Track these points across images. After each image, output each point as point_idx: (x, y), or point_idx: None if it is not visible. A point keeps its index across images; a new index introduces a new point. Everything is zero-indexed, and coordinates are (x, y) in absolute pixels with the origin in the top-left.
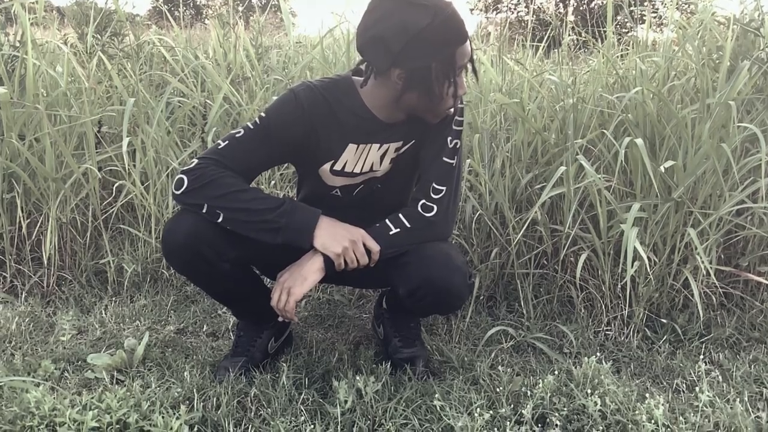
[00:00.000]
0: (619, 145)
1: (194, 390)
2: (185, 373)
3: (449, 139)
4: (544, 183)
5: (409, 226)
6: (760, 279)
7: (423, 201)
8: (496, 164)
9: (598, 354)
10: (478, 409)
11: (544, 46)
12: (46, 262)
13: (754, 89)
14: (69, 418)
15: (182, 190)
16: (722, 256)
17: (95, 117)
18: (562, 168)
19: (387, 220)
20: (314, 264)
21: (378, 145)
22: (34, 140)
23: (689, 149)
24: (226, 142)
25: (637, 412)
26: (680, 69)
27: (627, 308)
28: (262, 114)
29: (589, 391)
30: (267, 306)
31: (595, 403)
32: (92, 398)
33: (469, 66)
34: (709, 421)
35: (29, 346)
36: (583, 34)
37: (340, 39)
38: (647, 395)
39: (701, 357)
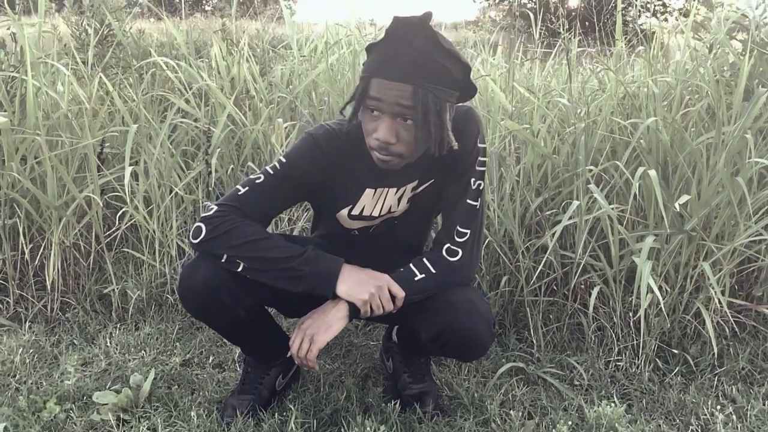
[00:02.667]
0: (632, 176)
1: None
2: (192, 413)
3: (473, 180)
4: (555, 210)
5: (434, 271)
6: None
7: (448, 245)
8: (505, 188)
9: (609, 387)
10: None
11: (554, 55)
12: (49, 288)
13: None
14: None
15: (200, 239)
16: (735, 286)
17: (97, 139)
18: (576, 202)
19: (412, 265)
20: (339, 311)
21: (395, 189)
22: (35, 163)
23: (704, 178)
24: (246, 188)
25: None
26: (693, 89)
27: (638, 338)
28: (282, 159)
29: None
30: (277, 345)
31: None
32: None
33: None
34: None
35: (34, 381)
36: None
37: (345, 51)
38: None
39: (713, 391)
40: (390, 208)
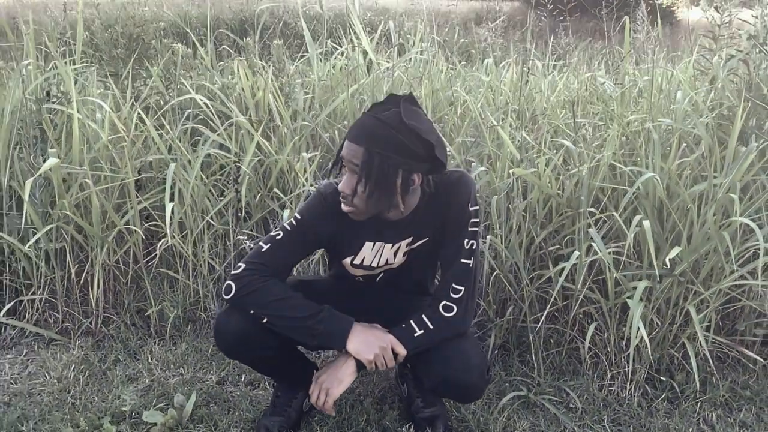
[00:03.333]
0: (629, 222)
1: None
2: None
3: (466, 240)
4: (558, 246)
5: (431, 327)
6: (751, 353)
7: (444, 302)
8: (512, 222)
9: (602, 412)
10: None
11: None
12: (94, 305)
13: (763, 164)
14: None
15: (230, 296)
16: (720, 323)
17: (135, 171)
18: (576, 253)
19: (412, 322)
20: (349, 368)
21: (390, 244)
22: (79, 189)
23: (695, 227)
24: (268, 244)
25: None
26: (690, 135)
27: (629, 365)
28: (297, 215)
29: None
30: (303, 374)
31: None
32: None
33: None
34: None
35: (87, 398)
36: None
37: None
38: None
39: (695, 417)
40: (387, 260)
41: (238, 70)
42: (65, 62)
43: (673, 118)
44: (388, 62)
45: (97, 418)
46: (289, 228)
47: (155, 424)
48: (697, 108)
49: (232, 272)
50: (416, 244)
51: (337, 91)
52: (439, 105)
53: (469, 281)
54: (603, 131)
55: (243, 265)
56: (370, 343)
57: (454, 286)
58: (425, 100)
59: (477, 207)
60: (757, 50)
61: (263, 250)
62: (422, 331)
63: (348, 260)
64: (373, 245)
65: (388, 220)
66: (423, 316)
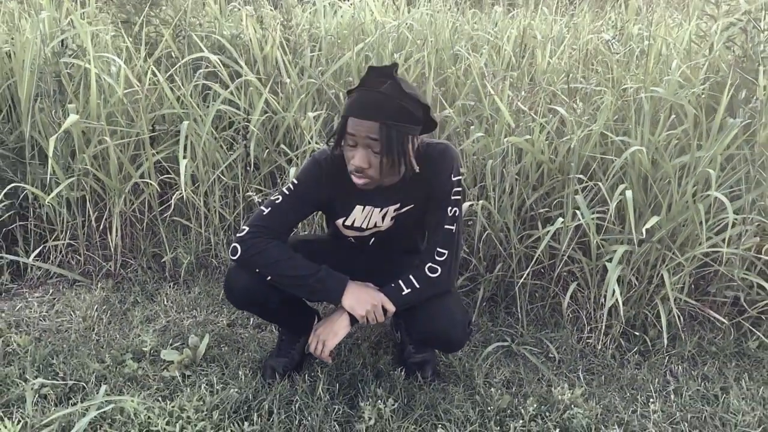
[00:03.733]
0: (610, 197)
1: (251, 395)
2: (239, 372)
3: (449, 208)
4: (548, 209)
5: (418, 286)
6: (715, 314)
7: (429, 264)
8: (505, 184)
9: (577, 362)
10: (470, 426)
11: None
12: (113, 250)
13: (747, 137)
14: (162, 428)
15: (237, 257)
16: (693, 285)
17: (149, 124)
18: (560, 220)
19: (400, 281)
20: (343, 321)
21: (379, 208)
22: (97, 141)
23: (675, 196)
24: (269, 208)
25: None
26: (679, 107)
27: (606, 321)
28: (294, 180)
29: (559, 417)
30: (305, 322)
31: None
32: (173, 406)
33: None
34: None
35: (110, 336)
36: None
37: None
38: (603, 426)
39: (663, 369)
40: (376, 223)
41: (247, 25)
42: (80, 14)
43: (666, 87)
44: (394, 20)
45: (119, 354)
46: (287, 192)
47: (172, 361)
48: (690, 78)
49: (237, 235)
50: (403, 210)
51: (343, 48)
52: (442, 63)
53: (452, 245)
54: (600, 95)
55: (247, 228)
56: (362, 300)
57: (438, 249)
58: (429, 58)
59: (460, 177)
60: (752, 25)
61: (264, 213)
62: (409, 290)
63: (340, 221)
64: (363, 208)
65: (380, 187)
66: (411, 276)
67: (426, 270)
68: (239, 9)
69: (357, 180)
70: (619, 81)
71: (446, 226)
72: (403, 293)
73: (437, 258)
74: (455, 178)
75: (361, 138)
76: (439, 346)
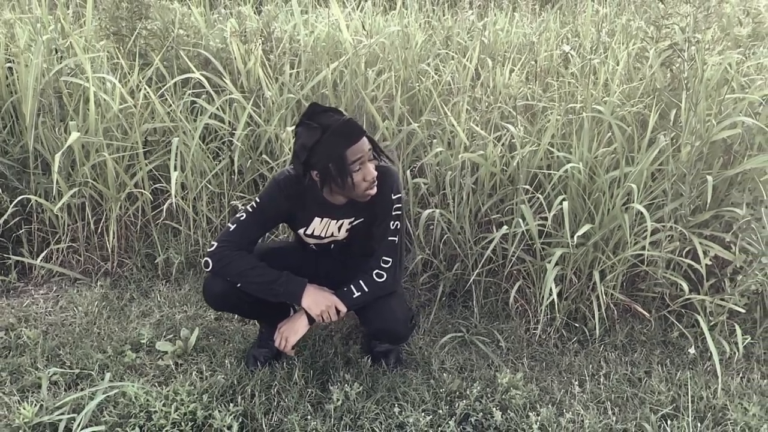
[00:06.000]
0: (548, 210)
1: (236, 381)
2: (226, 361)
3: (392, 223)
4: (501, 215)
5: (366, 290)
6: (640, 309)
7: (376, 270)
8: (463, 193)
9: (524, 350)
10: (423, 405)
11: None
12: (110, 251)
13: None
14: (159, 409)
15: (210, 269)
16: (629, 283)
17: (142, 137)
18: (504, 228)
19: (351, 285)
20: (302, 321)
21: (335, 221)
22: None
23: (607, 206)
24: (234, 225)
25: (528, 419)
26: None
27: (550, 314)
28: (257, 199)
29: (500, 398)
30: (280, 317)
31: (501, 410)
32: (168, 391)
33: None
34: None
35: (110, 329)
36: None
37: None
38: (538, 405)
39: (597, 357)
40: (332, 233)
41: (231, 42)
42: (77, 34)
43: (607, 105)
44: (365, 39)
45: (119, 346)
46: (251, 210)
47: (166, 352)
48: (630, 97)
49: (208, 250)
50: (355, 222)
51: (319, 65)
52: (412, 78)
53: (395, 254)
54: (551, 111)
55: (216, 244)
56: (318, 302)
57: (383, 258)
58: (398, 74)
59: (400, 194)
60: (684, 49)
61: (231, 229)
62: (359, 293)
63: (302, 231)
64: (321, 220)
65: (334, 204)
66: (360, 280)
67: (373, 275)
68: (223, 19)
69: (371, 192)
70: (572, 94)
71: (389, 238)
72: (354, 296)
73: (383, 265)
74: (395, 196)
75: (366, 153)
76: (386, 339)
